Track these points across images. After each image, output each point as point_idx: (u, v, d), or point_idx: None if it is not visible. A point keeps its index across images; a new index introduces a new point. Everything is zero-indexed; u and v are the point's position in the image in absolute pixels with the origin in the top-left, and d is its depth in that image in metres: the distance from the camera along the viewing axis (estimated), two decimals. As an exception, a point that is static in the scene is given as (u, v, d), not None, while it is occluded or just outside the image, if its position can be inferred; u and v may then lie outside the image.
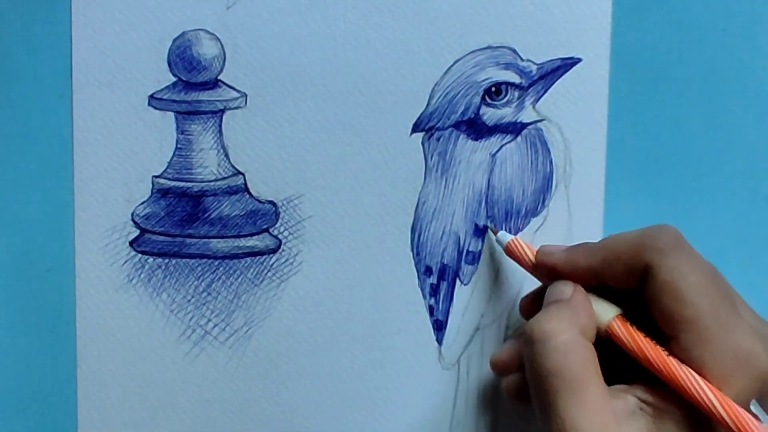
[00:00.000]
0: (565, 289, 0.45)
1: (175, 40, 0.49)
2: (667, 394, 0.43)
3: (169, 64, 0.50)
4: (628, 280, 0.44)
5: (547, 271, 0.47)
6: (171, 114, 0.50)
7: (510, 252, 0.49)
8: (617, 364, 0.44)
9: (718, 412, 0.41)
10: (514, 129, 0.51)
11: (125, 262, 0.50)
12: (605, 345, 0.44)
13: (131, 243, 0.50)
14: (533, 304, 0.48)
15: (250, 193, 0.50)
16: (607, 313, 0.45)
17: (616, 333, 0.44)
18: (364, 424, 0.51)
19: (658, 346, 0.43)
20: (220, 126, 0.50)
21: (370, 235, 0.51)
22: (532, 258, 0.48)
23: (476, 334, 0.52)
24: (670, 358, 0.42)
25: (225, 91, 0.50)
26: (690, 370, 0.42)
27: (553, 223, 0.51)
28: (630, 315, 0.45)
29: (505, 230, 0.51)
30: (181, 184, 0.50)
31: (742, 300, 0.45)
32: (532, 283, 0.51)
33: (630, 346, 0.44)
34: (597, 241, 0.46)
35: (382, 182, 0.51)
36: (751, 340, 0.42)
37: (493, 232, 0.51)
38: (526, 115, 0.51)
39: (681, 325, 0.42)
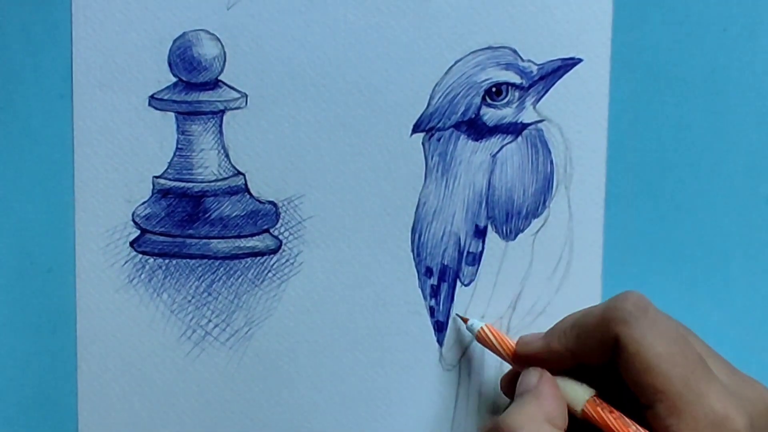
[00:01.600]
0: (532, 378, 0.46)
1: (175, 41, 0.49)
2: None
3: (170, 64, 0.50)
4: (601, 354, 0.45)
5: (527, 359, 0.48)
6: (171, 114, 0.50)
7: (481, 340, 0.50)
8: None
9: None
10: (515, 129, 0.51)
11: (126, 262, 0.50)
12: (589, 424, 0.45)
13: (132, 243, 0.50)
14: (512, 383, 0.49)
15: (250, 194, 0.50)
16: (581, 395, 0.46)
17: (590, 416, 0.45)
18: (364, 425, 0.51)
19: (630, 427, 0.44)
20: (220, 126, 0.50)
21: (371, 235, 0.51)
22: (504, 345, 0.49)
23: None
24: None
25: (225, 92, 0.50)
26: None
27: (554, 224, 0.51)
28: (611, 388, 0.46)
29: (506, 231, 0.51)
30: (182, 184, 0.50)
31: (715, 355, 0.45)
32: (530, 287, 0.51)
33: (604, 428, 0.45)
34: (566, 319, 0.47)
35: (383, 183, 0.51)
36: (725, 402, 0.42)
37: (463, 320, 0.51)
38: (527, 116, 0.51)
39: (653, 395, 0.43)
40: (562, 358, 0.46)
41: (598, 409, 0.45)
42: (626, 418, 0.44)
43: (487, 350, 0.51)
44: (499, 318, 0.51)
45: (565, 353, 0.46)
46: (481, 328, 0.50)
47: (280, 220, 0.51)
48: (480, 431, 0.48)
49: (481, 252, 0.51)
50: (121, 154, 0.50)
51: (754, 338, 0.46)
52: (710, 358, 0.45)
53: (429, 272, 0.51)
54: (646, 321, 0.43)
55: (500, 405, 0.52)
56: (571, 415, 0.45)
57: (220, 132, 0.50)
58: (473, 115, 0.51)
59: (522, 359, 0.48)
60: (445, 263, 0.51)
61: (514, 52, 0.50)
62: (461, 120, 0.50)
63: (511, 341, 0.49)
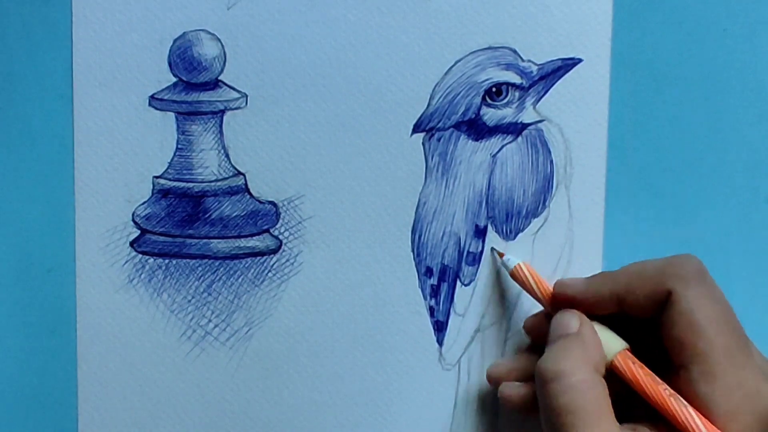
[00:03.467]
0: (572, 321, 0.46)
1: (175, 41, 0.49)
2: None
3: (170, 64, 0.50)
4: (647, 307, 0.45)
5: (565, 302, 0.47)
6: (171, 114, 0.50)
7: (515, 277, 0.50)
8: (625, 392, 0.45)
9: None
10: (515, 129, 0.51)
11: (126, 262, 0.50)
12: (613, 374, 0.45)
13: (132, 243, 0.50)
14: (539, 325, 0.49)
15: (250, 194, 0.50)
16: (612, 347, 0.46)
17: (620, 369, 0.45)
18: (364, 425, 0.51)
19: (660, 385, 0.44)
20: (220, 126, 0.50)
21: (371, 235, 0.51)
22: (540, 285, 0.49)
23: (477, 335, 0.52)
24: (671, 398, 0.43)
25: (225, 92, 0.50)
26: (690, 409, 0.43)
27: (554, 224, 0.51)
28: (641, 343, 0.46)
29: (506, 231, 0.51)
30: (182, 184, 0.50)
31: (751, 342, 0.45)
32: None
33: (632, 383, 0.45)
34: (615, 270, 0.47)
35: (383, 183, 0.51)
36: (760, 378, 0.43)
37: (499, 255, 0.51)
38: (527, 116, 0.51)
39: (693, 356, 0.43)
40: (603, 304, 0.46)
41: (629, 362, 0.45)
42: (652, 379, 0.44)
43: (486, 349, 0.51)
44: (499, 318, 0.51)
45: (609, 299, 0.46)
46: (518, 265, 0.49)
47: (280, 220, 0.51)
48: (508, 388, 0.48)
49: (481, 252, 0.51)
50: (121, 154, 0.50)
51: (754, 338, 0.46)
52: (749, 342, 0.45)
53: (429, 272, 0.51)
54: (705, 284, 0.44)
55: (500, 405, 0.52)
56: None
57: (220, 132, 0.50)
58: (473, 115, 0.51)
59: (559, 302, 0.48)
60: (445, 263, 0.51)
61: (514, 52, 0.50)
62: (461, 120, 0.50)
63: (548, 283, 0.49)
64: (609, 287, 0.46)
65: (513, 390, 0.48)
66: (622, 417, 0.44)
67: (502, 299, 0.51)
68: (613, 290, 0.46)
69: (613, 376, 0.45)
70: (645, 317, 0.45)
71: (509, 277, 0.50)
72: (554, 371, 0.43)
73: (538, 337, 0.49)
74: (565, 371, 0.43)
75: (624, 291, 0.45)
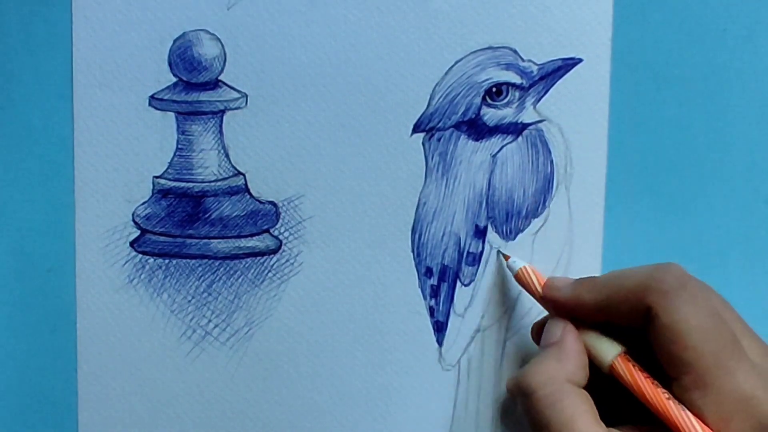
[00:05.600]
0: (556, 330, 0.46)
1: (175, 41, 0.49)
2: None
3: (170, 64, 0.50)
4: (633, 320, 0.44)
5: (552, 304, 0.47)
6: (171, 114, 0.50)
7: (519, 280, 0.49)
8: (625, 398, 0.45)
9: None
10: (515, 129, 0.51)
11: (126, 262, 0.50)
12: (612, 380, 0.45)
13: (132, 243, 0.50)
14: (542, 331, 0.49)
15: (250, 194, 0.50)
16: (609, 351, 0.45)
17: (619, 372, 0.45)
18: (364, 425, 0.51)
19: (659, 388, 0.44)
20: (220, 126, 0.50)
21: (371, 235, 0.51)
22: (540, 289, 0.48)
23: (476, 336, 0.52)
24: (670, 401, 0.43)
25: (225, 92, 0.50)
26: (688, 414, 0.43)
27: (554, 224, 0.51)
28: (638, 351, 0.45)
29: (506, 231, 0.51)
30: (182, 184, 0.50)
31: (751, 335, 0.45)
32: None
33: (631, 387, 0.44)
34: (601, 275, 0.47)
35: (383, 183, 0.51)
36: (753, 382, 0.42)
37: (505, 257, 0.51)
38: (527, 116, 0.51)
39: (681, 367, 0.43)
40: (590, 312, 0.46)
41: (629, 365, 0.45)
42: (651, 382, 0.44)
43: (486, 349, 0.51)
44: (499, 318, 0.51)
45: (593, 308, 0.46)
46: (523, 267, 0.49)
47: (280, 220, 0.51)
48: (507, 387, 0.48)
49: (481, 252, 0.51)
50: (121, 154, 0.50)
51: (754, 338, 0.46)
52: (745, 338, 0.44)
53: (429, 272, 0.51)
54: (685, 295, 0.43)
55: (500, 405, 0.52)
56: (597, 370, 0.45)
57: (220, 132, 0.50)
58: (473, 115, 0.51)
59: (549, 303, 0.48)
60: (445, 263, 0.51)
61: (515, 52, 0.50)
62: (461, 120, 0.51)
63: None
64: (591, 297, 0.46)
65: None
66: (615, 422, 0.44)
67: (502, 299, 0.51)
68: (595, 301, 0.45)
69: (607, 382, 0.45)
70: (634, 327, 0.45)
71: (510, 278, 0.50)
72: (524, 386, 0.44)
73: None
74: (533, 386, 0.44)
75: (605, 303, 0.45)
